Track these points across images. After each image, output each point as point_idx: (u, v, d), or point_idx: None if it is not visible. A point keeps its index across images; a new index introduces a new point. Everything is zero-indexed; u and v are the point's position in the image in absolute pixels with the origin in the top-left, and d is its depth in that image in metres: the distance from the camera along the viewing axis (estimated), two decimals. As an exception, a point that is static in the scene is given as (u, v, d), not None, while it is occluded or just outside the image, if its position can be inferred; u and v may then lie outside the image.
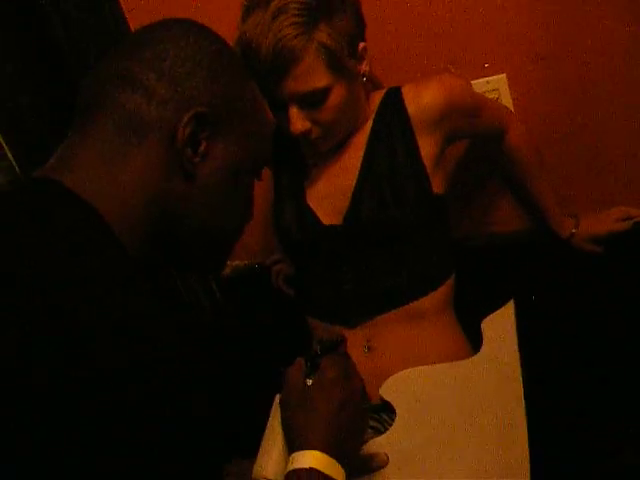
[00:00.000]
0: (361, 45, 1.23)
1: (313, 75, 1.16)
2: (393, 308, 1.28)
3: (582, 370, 1.46)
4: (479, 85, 1.48)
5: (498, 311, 1.20)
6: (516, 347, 1.13)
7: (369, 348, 1.28)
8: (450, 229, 1.38)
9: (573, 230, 1.45)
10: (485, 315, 1.22)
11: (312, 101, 1.18)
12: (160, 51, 0.82)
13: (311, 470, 0.86)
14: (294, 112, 1.19)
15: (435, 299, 1.29)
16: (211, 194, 0.85)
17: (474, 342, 1.29)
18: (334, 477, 0.86)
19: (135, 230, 0.80)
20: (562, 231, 1.46)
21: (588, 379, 1.45)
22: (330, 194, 1.31)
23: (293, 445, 0.90)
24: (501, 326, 1.17)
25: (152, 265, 0.87)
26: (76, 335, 0.63)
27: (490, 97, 1.46)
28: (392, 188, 1.26)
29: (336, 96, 1.19)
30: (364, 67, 1.25)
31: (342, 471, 0.88)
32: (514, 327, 1.16)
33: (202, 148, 0.83)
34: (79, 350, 0.63)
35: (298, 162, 1.37)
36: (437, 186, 1.29)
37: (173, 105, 0.81)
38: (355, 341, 1.26)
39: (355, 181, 1.28)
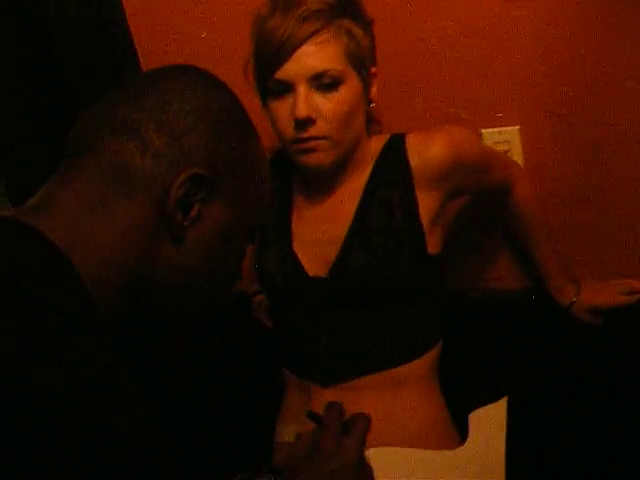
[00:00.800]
0: (373, 69, 1.20)
1: (331, 54, 1.12)
2: (371, 372, 1.22)
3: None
4: (490, 135, 1.42)
5: (489, 406, 1.13)
6: (503, 450, 1.06)
7: None
8: (443, 290, 1.31)
9: (573, 298, 1.37)
10: (473, 389, 1.15)
11: (323, 83, 1.13)
12: (163, 101, 0.76)
13: None
14: (302, 93, 1.12)
15: (418, 367, 1.23)
16: (199, 259, 0.79)
17: (459, 411, 1.22)
18: None
19: (109, 286, 0.73)
20: (561, 298, 1.39)
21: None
22: (318, 242, 1.25)
23: None
24: (490, 424, 1.09)
25: (125, 321, 0.80)
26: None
27: (500, 149, 1.39)
28: (385, 244, 1.19)
29: (347, 91, 1.14)
30: (373, 92, 1.21)
31: None
32: (504, 428, 1.09)
33: (194, 212, 0.76)
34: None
35: (286, 202, 1.30)
36: (433, 245, 1.22)
37: (169, 160, 0.74)
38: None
39: (346, 231, 1.22)
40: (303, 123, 1.13)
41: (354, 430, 0.93)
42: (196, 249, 0.78)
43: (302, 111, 1.12)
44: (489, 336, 1.44)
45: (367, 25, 1.18)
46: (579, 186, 1.41)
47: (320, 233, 1.25)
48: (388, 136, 1.26)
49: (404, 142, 1.22)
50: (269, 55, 1.13)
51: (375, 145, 1.25)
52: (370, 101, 1.21)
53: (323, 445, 0.91)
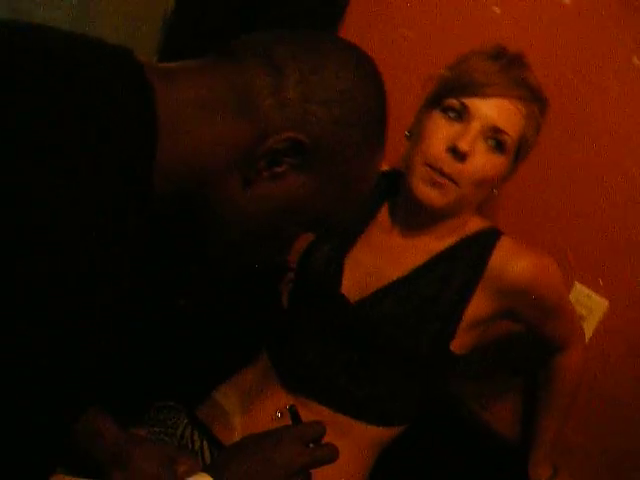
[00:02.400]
0: (520, 164, 1.22)
1: (517, 125, 1.15)
2: (332, 407, 1.19)
3: None
4: (579, 292, 1.37)
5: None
6: None
7: (281, 414, 1.20)
8: (441, 389, 1.27)
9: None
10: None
11: (494, 141, 1.14)
12: (318, 64, 0.76)
13: None
14: (475, 130, 1.13)
15: (376, 432, 1.21)
16: (253, 214, 0.78)
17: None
18: None
19: (170, 181, 0.73)
20: (535, 473, 1.33)
21: None
22: (368, 269, 1.23)
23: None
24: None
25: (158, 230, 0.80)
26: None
27: (577, 310, 1.34)
28: (419, 311, 1.16)
29: (500, 162, 1.15)
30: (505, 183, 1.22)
31: None
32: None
33: (277, 170, 0.76)
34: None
35: (368, 216, 1.28)
36: (458, 344, 1.18)
37: (287, 114, 0.74)
38: (280, 404, 1.21)
39: (395, 278, 1.20)
40: (455, 155, 1.12)
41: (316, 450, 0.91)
42: (256, 203, 0.77)
43: (466, 144, 1.12)
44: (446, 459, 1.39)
45: (540, 127, 1.19)
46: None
47: (375, 263, 1.23)
48: (488, 224, 1.24)
49: (497, 240, 1.20)
50: (474, 82, 1.14)
51: (472, 224, 1.23)
52: (497, 186, 1.20)
53: (285, 439, 0.89)
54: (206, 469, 0.84)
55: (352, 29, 1.56)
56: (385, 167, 1.33)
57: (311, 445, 0.90)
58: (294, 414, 0.98)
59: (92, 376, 0.72)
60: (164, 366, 1.38)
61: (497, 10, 1.41)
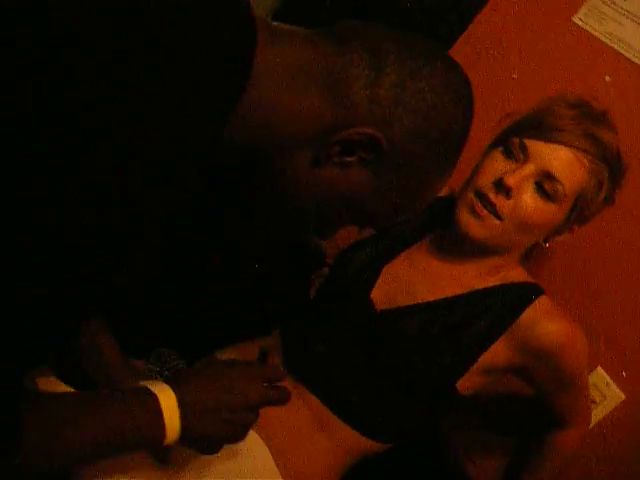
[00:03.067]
0: (577, 227, 1.20)
1: (575, 177, 1.11)
2: (326, 403, 1.20)
3: None
4: (598, 376, 1.35)
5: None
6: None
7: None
8: (436, 421, 1.26)
9: None
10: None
11: (546, 186, 1.11)
12: (420, 73, 0.76)
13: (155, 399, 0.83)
14: (526, 171, 1.11)
15: (359, 442, 1.20)
16: (309, 192, 0.79)
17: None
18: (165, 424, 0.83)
19: (243, 130, 0.74)
20: None
21: None
22: (402, 285, 1.23)
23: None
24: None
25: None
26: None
27: (592, 392, 1.31)
28: (439, 339, 1.16)
29: (551, 212, 1.13)
30: (559, 237, 1.20)
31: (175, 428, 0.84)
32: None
33: (348, 159, 0.76)
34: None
35: (418, 233, 1.28)
36: (464, 385, 1.17)
37: (374, 111, 0.74)
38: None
39: (425, 301, 1.19)
40: (499, 189, 1.12)
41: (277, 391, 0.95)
42: (317, 183, 0.78)
43: (512, 180, 1.10)
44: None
45: (612, 196, 1.17)
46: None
47: (410, 281, 1.23)
48: (530, 279, 1.22)
49: (535, 297, 1.18)
50: (542, 124, 1.12)
51: (515, 274, 1.22)
52: (548, 240, 1.19)
53: (248, 373, 0.92)
54: (167, 380, 0.87)
55: (461, 55, 1.56)
56: (445, 192, 1.33)
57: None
58: (263, 355, 1.01)
59: (109, 288, 0.74)
60: (179, 315, 1.41)
61: (608, 79, 1.39)
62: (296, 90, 0.74)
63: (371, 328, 1.19)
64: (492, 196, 1.12)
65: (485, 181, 1.14)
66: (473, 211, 1.13)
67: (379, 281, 1.23)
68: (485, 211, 1.12)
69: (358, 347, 1.20)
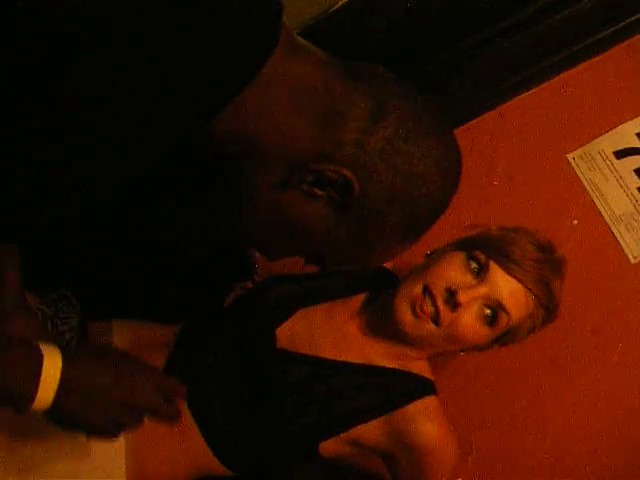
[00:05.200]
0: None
1: (519, 313, 1.15)
2: (196, 419, 1.17)
3: None
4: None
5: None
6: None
7: None
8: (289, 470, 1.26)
9: None
10: None
11: (490, 314, 1.15)
12: (414, 139, 0.75)
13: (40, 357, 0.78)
14: (481, 292, 1.13)
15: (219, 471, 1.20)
16: (260, 211, 0.78)
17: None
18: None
19: (232, 124, 0.72)
20: None
21: None
22: (311, 330, 1.23)
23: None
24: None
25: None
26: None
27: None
28: (317, 398, 1.16)
29: (487, 332, 1.16)
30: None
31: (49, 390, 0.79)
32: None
33: (316, 192, 0.75)
34: None
35: (349, 290, 1.29)
36: (326, 447, 1.18)
37: (358, 155, 0.74)
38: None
39: (324, 357, 1.19)
40: (449, 299, 1.13)
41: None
42: (277, 204, 0.77)
43: (464, 298, 1.12)
44: None
45: (533, 331, 1.21)
46: None
47: (320, 332, 1.23)
48: (429, 376, 1.24)
49: (427, 394, 1.19)
50: (509, 254, 1.15)
51: (418, 365, 1.23)
52: (465, 350, 1.21)
53: (146, 374, 0.88)
54: (62, 349, 0.82)
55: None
56: (389, 265, 1.35)
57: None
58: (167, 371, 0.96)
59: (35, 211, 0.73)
60: (96, 268, 1.38)
61: (575, 223, 1.44)
62: (293, 107, 0.73)
63: (263, 361, 1.19)
64: (440, 301, 1.14)
65: (439, 282, 1.15)
66: (413, 307, 1.14)
67: (290, 320, 1.23)
68: (425, 313, 1.13)
69: (244, 373, 1.19)
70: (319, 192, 0.75)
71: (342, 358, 1.20)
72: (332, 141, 0.73)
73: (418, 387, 1.19)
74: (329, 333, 1.23)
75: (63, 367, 0.79)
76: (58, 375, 0.79)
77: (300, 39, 0.78)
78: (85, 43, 0.61)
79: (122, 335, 1.27)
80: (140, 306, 1.38)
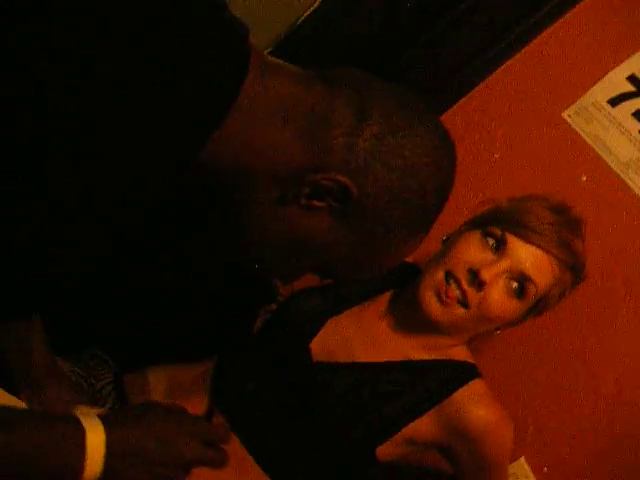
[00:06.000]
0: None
1: (545, 280, 1.13)
2: (247, 448, 1.16)
3: None
4: (520, 467, 1.36)
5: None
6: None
7: None
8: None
9: None
10: None
11: (516, 284, 1.12)
12: (402, 131, 0.74)
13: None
14: (502, 267, 1.12)
15: None
16: (265, 232, 0.77)
17: None
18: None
19: (220, 153, 0.72)
20: None
21: None
22: (344, 338, 1.22)
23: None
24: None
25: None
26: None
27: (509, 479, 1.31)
28: (364, 404, 1.14)
29: (517, 307, 1.14)
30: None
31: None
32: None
33: (315, 203, 0.74)
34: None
35: (372, 292, 1.28)
36: (383, 451, 1.16)
37: (349, 159, 0.73)
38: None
39: (363, 361, 1.18)
40: (473, 279, 1.12)
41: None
42: (279, 222, 0.76)
43: (488, 275, 1.11)
44: None
45: (565, 295, 1.19)
46: None
47: (353, 338, 1.22)
48: (470, 359, 1.22)
49: (471, 378, 1.17)
50: (525, 223, 1.13)
51: (458, 352, 1.21)
52: (501, 328, 1.19)
53: (188, 426, 0.86)
54: (103, 417, 0.80)
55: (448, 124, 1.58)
56: (409, 258, 1.33)
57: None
58: (210, 412, 0.95)
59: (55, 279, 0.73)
60: (121, 320, 1.38)
61: (584, 179, 1.42)
62: (276, 126, 0.72)
63: (303, 377, 1.18)
64: (464, 284, 1.12)
65: (459, 265, 1.14)
66: (439, 294, 1.13)
67: (322, 332, 1.22)
68: (451, 298, 1.12)
69: (286, 393, 1.19)
70: (318, 204, 0.74)
71: (380, 359, 1.18)
72: (321, 150, 0.72)
73: (462, 373, 1.18)
74: (362, 337, 1.22)
75: (107, 437, 0.77)
76: (103, 447, 0.77)
77: (271, 57, 0.78)
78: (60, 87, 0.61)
79: (159, 381, 1.27)
80: (172, 349, 1.38)
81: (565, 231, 1.14)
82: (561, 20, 1.51)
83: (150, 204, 0.74)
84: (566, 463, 1.33)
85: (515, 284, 1.13)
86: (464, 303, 1.13)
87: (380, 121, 0.73)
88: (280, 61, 0.78)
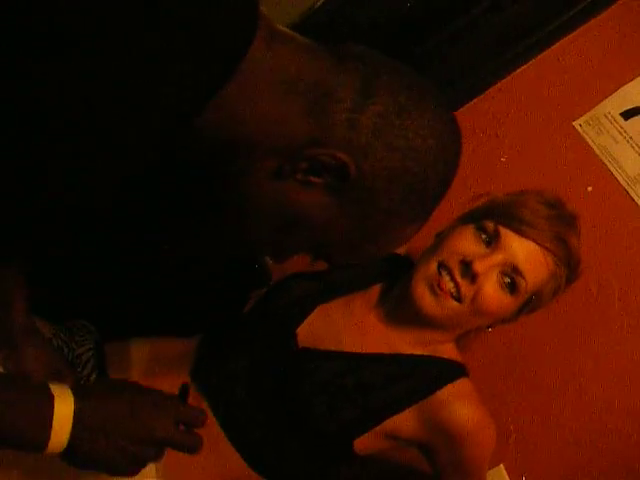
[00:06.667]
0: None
1: (538, 275, 1.12)
2: (224, 427, 1.14)
3: None
4: (499, 475, 1.34)
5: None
6: None
7: None
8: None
9: None
10: None
11: (509, 279, 1.11)
12: (407, 112, 0.72)
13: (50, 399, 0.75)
14: (495, 260, 1.10)
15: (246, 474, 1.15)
16: (260, 205, 0.75)
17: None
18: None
19: (218, 119, 0.70)
20: None
21: None
22: (332, 326, 1.19)
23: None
24: None
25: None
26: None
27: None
28: (347, 393, 1.12)
29: (510, 303, 1.13)
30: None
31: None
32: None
33: (312, 179, 0.72)
34: None
35: (363, 283, 1.26)
36: (361, 443, 1.14)
37: (350, 136, 0.71)
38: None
39: (350, 350, 1.16)
40: (467, 271, 1.10)
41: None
42: (275, 197, 0.74)
43: (481, 267, 1.09)
44: None
45: (559, 292, 1.17)
46: None
47: (341, 327, 1.20)
48: (459, 358, 1.20)
49: (458, 377, 1.15)
50: (518, 216, 1.12)
51: (446, 349, 1.20)
52: (493, 325, 1.18)
53: (162, 405, 0.84)
54: (74, 387, 0.79)
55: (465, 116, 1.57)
56: (402, 250, 1.32)
57: (182, 427, 0.85)
58: (184, 392, 0.93)
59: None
60: (108, 289, 1.37)
61: (590, 189, 1.41)
62: (279, 96, 0.70)
63: (287, 362, 1.16)
64: (457, 275, 1.11)
65: (452, 256, 1.12)
66: (432, 286, 1.12)
67: (310, 318, 1.20)
68: (444, 290, 1.11)
69: (270, 376, 1.17)
70: (315, 179, 0.73)
71: (367, 350, 1.17)
72: (322, 125, 0.71)
73: (449, 371, 1.16)
74: (350, 326, 1.20)
75: (75, 407, 0.76)
76: (71, 417, 0.75)
77: (280, 27, 0.76)
78: (62, 48, 0.59)
79: (141, 353, 1.25)
80: (157, 322, 1.36)
81: (560, 225, 1.13)
82: (580, 29, 1.50)
83: (150, 164, 0.73)
84: (546, 474, 1.31)
85: (507, 279, 1.11)
86: (457, 297, 1.11)
87: (386, 100, 0.71)
88: (290, 31, 0.76)
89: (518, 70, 1.53)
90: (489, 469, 1.28)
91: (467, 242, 1.13)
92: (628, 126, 1.41)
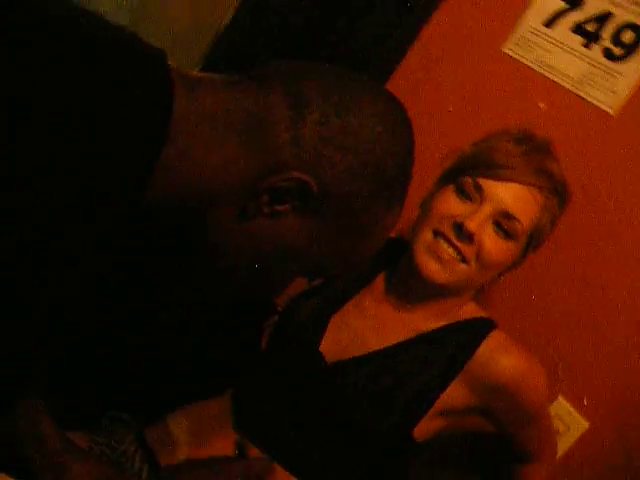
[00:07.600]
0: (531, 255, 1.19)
1: (532, 214, 1.11)
2: (284, 466, 1.13)
3: None
4: (561, 407, 1.32)
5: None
6: None
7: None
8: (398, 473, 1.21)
9: None
10: None
11: (504, 226, 1.10)
12: (346, 108, 0.71)
13: None
14: (485, 213, 1.09)
15: None
16: (238, 251, 0.74)
17: None
18: None
19: (167, 185, 0.69)
20: None
21: None
22: (351, 332, 1.19)
23: None
24: None
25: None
26: None
27: (555, 423, 1.29)
28: (389, 390, 1.11)
29: (509, 249, 1.11)
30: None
31: None
32: None
33: (279, 208, 0.71)
34: None
35: (365, 279, 1.25)
36: (420, 431, 1.13)
37: (300, 153, 0.69)
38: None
39: (377, 348, 1.15)
40: (461, 233, 1.09)
41: None
42: (250, 237, 0.73)
43: (473, 225, 1.08)
44: None
45: (557, 220, 1.16)
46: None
47: (360, 329, 1.19)
48: (481, 313, 1.20)
49: (489, 331, 1.15)
50: (492, 162, 1.11)
51: (467, 310, 1.19)
52: (504, 272, 1.17)
53: (228, 471, 0.87)
54: None
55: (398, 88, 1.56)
56: (393, 234, 1.30)
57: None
58: (241, 448, 0.93)
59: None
60: (127, 376, 1.35)
61: (542, 106, 1.40)
62: (215, 140, 0.69)
63: (321, 383, 1.15)
64: (454, 239, 1.10)
65: (443, 221, 1.11)
66: (434, 254, 1.10)
67: (328, 332, 1.19)
68: (448, 254, 1.10)
69: (310, 402, 1.15)
70: (282, 208, 0.71)
71: (393, 341, 1.15)
72: (268, 152, 0.69)
73: (477, 330, 1.15)
74: (368, 325, 1.19)
75: None
76: None
77: (194, 72, 0.75)
78: None
79: (181, 428, 1.23)
80: (186, 390, 1.34)
81: (536, 157, 1.12)
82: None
83: (113, 249, 0.71)
84: (604, 387, 1.30)
85: (502, 227, 1.10)
86: (463, 259, 1.10)
87: (320, 105, 0.70)
88: (204, 73, 0.75)
89: (431, 21, 1.52)
90: (578, 416, 1.29)
91: (452, 203, 1.12)
92: (555, 33, 1.40)
